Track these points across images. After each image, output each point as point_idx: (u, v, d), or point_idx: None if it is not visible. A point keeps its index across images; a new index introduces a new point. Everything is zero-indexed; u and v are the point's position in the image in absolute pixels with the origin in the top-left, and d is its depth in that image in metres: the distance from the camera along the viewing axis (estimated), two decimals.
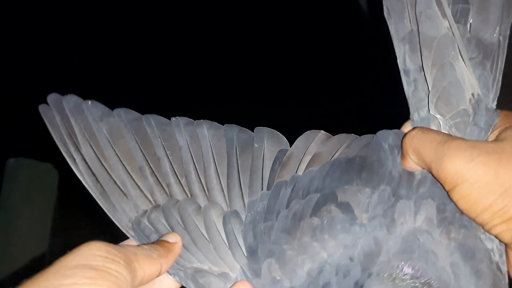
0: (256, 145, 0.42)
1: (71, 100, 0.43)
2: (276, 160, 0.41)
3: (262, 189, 0.41)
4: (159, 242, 0.37)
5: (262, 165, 0.41)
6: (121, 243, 0.40)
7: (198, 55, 1.52)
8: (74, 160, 0.41)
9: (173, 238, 0.38)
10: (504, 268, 0.35)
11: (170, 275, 0.39)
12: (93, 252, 0.31)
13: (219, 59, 1.50)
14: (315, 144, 0.41)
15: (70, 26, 1.47)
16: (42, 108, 0.42)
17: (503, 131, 0.35)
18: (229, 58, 1.52)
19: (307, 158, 0.41)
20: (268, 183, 0.41)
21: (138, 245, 0.37)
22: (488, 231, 0.34)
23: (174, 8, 1.58)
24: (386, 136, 0.39)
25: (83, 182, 0.41)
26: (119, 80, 1.45)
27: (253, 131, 0.43)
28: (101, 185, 0.41)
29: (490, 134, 0.37)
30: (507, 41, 0.39)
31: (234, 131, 0.42)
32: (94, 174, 0.41)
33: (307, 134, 0.42)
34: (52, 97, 0.43)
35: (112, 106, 0.44)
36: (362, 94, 1.38)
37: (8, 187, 1.39)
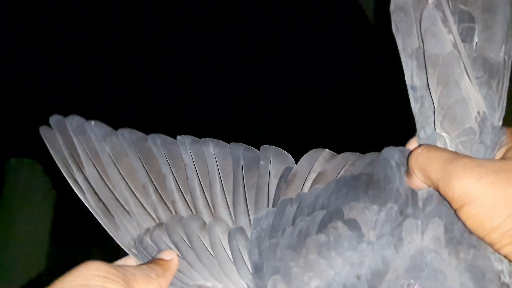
0: (262, 163, 0.42)
1: (73, 121, 0.43)
2: (282, 178, 0.41)
3: (267, 206, 0.40)
4: (156, 261, 0.38)
5: (268, 182, 0.41)
6: (119, 261, 0.41)
7: (202, 62, 1.52)
8: (75, 180, 0.42)
9: (169, 256, 0.38)
10: None
11: None
12: (91, 273, 0.31)
13: (226, 68, 1.51)
14: (320, 162, 0.41)
15: (71, 26, 1.47)
16: (43, 130, 0.42)
17: (510, 149, 0.35)
18: (234, 66, 1.52)
19: (312, 176, 0.41)
20: (273, 200, 0.40)
21: (136, 265, 0.37)
22: (497, 251, 0.33)
23: (173, 12, 1.58)
24: (392, 154, 0.39)
25: (85, 202, 0.41)
26: (117, 78, 1.45)
27: (258, 147, 0.43)
28: (103, 203, 0.41)
29: (496, 152, 0.37)
30: (511, 60, 0.39)
31: (240, 149, 0.42)
32: (96, 193, 0.41)
33: (312, 152, 0.42)
34: (54, 119, 0.43)
35: (110, 119, 0.45)
36: (368, 110, 1.38)
37: (8, 187, 1.39)
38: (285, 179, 0.41)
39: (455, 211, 0.34)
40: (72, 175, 0.42)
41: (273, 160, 0.42)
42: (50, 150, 0.42)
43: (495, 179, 0.32)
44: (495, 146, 0.37)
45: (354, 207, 0.37)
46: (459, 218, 0.34)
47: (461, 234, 0.35)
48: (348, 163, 0.40)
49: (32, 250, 1.37)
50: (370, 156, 0.40)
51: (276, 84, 1.49)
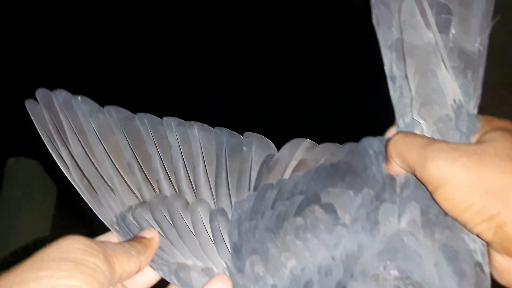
0: (245, 149, 0.43)
1: (60, 95, 0.43)
2: (264, 164, 0.42)
3: (249, 191, 0.42)
4: (137, 238, 0.38)
5: (250, 167, 0.43)
6: (101, 237, 0.41)
7: (191, 51, 1.53)
8: (60, 155, 0.42)
9: (150, 234, 0.39)
10: (486, 268, 0.36)
11: (154, 269, 0.39)
12: (71, 245, 0.31)
13: (216, 57, 1.51)
14: (301, 151, 0.43)
15: (68, 25, 1.48)
16: (28, 103, 0.42)
17: (484, 134, 0.36)
18: (224, 54, 1.52)
19: (293, 164, 0.42)
20: (255, 185, 0.42)
21: (117, 242, 0.37)
22: (470, 231, 0.34)
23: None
24: (371, 143, 0.41)
25: (69, 178, 0.42)
26: (107, 74, 1.45)
27: (243, 134, 0.44)
28: (87, 180, 0.41)
29: (471, 138, 0.38)
30: (486, 51, 0.40)
31: (224, 134, 0.44)
32: (80, 169, 0.42)
33: (294, 141, 0.43)
34: (40, 92, 0.43)
35: (101, 101, 0.45)
36: (349, 99, 1.39)
37: (8, 187, 1.39)
38: (266, 165, 0.42)
39: (431, 193, 0.35)
40: (57, 150, 0.42)
41: (256, 147, 0.43)
42: (35, 124, 0.42)
43: (469, 161, 0.33)
44: (470, 133, 0.38)
45: (331, 192, 0.39)
46: (434, 201, 0.35)
47: (436, 216, 0.36)
48: (328, 153, 0.42)
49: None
50: (350, 146, 0.41)
51: (268, 74, 1.50)
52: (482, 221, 0.32)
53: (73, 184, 0.42)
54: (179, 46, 1.55)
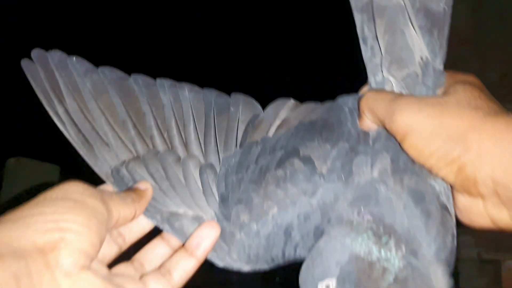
0: (232, 109, 0.46)
1: (55, 55, 0.44)
2: (250, 123, 0.45)
3: (235, 147, 0.45)
4: (132, 189, 0.40)
5: (236, 126, 0.46)
6: (98, 187, 0.42)
7: (187, 20, 1.53)
8: (56, 112, 0.43)
9: (144, 186, 0.41)
10: (451, 209, 0.39)
11: (148, 218, 0.42)
12: (72, 188, 0.34)
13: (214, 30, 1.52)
14: (285, 110, 0.45)
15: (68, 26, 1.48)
16: (24, 63, 0.44)
17: (447, 87, 0.39)
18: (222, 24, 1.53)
19: (277, 122, 0.45)
20: (241, 142, 0.45)
21: (113, 191, 0.39)
22: (435, 175, 0.37)
23: None
24: (346, 101, 0.44)
25: (65, 133, 0.43)
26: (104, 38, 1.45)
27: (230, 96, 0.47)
28: (83, 135, 0.43)
29: (437, 92, 0.41)
30: (451, 10, 0.43)
31: (212, 95, 0.46)
32: (76, 125, 0.43)
33: (279, 101, 0.46)
34: (35, 52, 0.44)
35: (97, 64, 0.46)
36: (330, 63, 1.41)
37: (8, 187, 1.39)
38: (252, 124, 0.45)
39: (399, 144, 0.38)
40: (53, 107, 0.43)
41: (243, 107, 0.46)
42: (31, 83, 0.43)
43: (432, 111, 0.35)
44: (436, 87, 0.41)
45: (309, 146, 0.42)
46: (403, 150, 0.38)
47: (405, 164, 0.39)
48: (309, 111, 0.45)
49: None
50: (328, 104, 0.44)
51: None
52: (445, 165, 0.35)
53: (69, 140, 0.43)
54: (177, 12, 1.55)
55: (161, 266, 0.40)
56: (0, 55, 1.38)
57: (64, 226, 0.31)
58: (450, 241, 0.39)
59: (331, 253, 0.38)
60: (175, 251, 0.41)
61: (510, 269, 1.63)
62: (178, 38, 1.67)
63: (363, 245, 0.37)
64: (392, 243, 0.37)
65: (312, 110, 0.45)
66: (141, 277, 0.39)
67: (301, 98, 0.47)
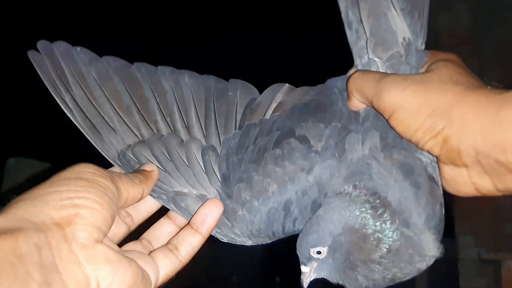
0: (230, 94, 0.48)
1: (61, 46, 0.46)
2: (247, 107, 0.47)
3: (235, 130, 0.47)
4: (139, 171, 0.42)
5: (235, 110, 0.47)
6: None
7: None
8: (63, 100, 0.45)
9: (150, 167, 0.42)
10: (438, 180, 0.41)
11: (154, 198, 0.44)
12: (83, 169, 0.35)
13: None
14: (280, 94, 0.47)
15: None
16: (31, 54, 0.45)
17: (430, 65, 0.40)
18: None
19: (273, 105, 0.47)
20: (240, 125, 0.47)
21: (121, 173, 0.40)
22: (422, 148, 0.39)
23: None
24: (335, 82, 0.45)
25: (73, 120, 0.45)
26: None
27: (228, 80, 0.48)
28: (90, 121, 0.45)
29: (420, 70, 0.42)
30: None
31: (211, 81, 0.48)
32: (83, 111, 0.45)
33: (274, 86, 0.47)
34: (41, 43, 0.46)
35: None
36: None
37: (8, 187, 1.39)
38: (250, 107, 0.47)
39: (387, 121, 0.39)
40: (60, 95, 0.44)
41: (240, 92, 0.48)
42: (38, 73, 0.45)
43: (417, 87, 0.37)
44: (419, 66, 0.43)
45: (304, 126, 0.44)
46: (391, 127, 0.39)
47: (393, 140, 0.42)
48: (303, 94, 0.46)
49: None
50: (320, 86, 0.46)
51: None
52: (431, 138, 0.37)
53: (77, 126, 0.44)
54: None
55: (168, 243, 0.41)
56: (0, 55, 1.38)
57: (78, 203, 0.33)
58: (439, 210, 0.41)
59: (327, 222, 0.40)
60: (181, 229, 0.43)
61: (510, 269, 1.63)
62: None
63: (359, 217, 0.40)
64: (387, 215, 0.39)
65: (305, 93, 0.46)
66: (150, 253, 0.40)
67: (294, 82, 0.49)
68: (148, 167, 0.42)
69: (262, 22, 1.76)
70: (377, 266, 0.39)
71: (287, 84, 0.47)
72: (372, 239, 0.39)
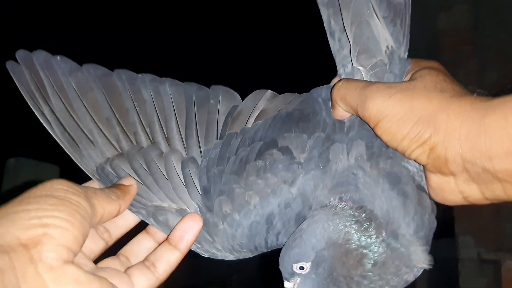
0: (212, 101, 0.46)
1: (40, 55, 0.44)
2: (229, 115, 0.46)
3: (216, 139, 0.45)
4: (117, 185, 0.41)
5: (217, 118, 0.46)
6: (84, 184, 0.43)
7: None
8: (42, 112, 0.43)
9: (129, 182, 0.41)
10: (426, 188, 0.40)
11: (133, 213, 0.42)
12: (55, 186, 0.34)
13: None
14: (263, 101, 0.46)
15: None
16: (9, 64, 0.44)
17: (414, 74, 0.40)
18: None
19: (256, 113, 0.46)
20: (221, 134, 0.45)
21: (98, 188, 0.39)
22: (408, 157, 0.38)
23: None
24: (319, 92, 0.45)
25: (51, 132, 0.43)
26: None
27: (209, 87, 0.47)
28: (68, 134, 0.43)
29: (404, 79, 0.42)
30: (411, 0, 0.44)
31: (193, 88, 0.46)
32: (62, 124, 0.43)
33: (256, 92, 0.46)
34: (20, 53, 0.44)
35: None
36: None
37: (8, 187, 1.39)
38: (231, 115, 0.45)
39: (373, 130, 0.38)
40: (39, 108, 0.43)
41: (222, 99, 0.46)
42: (17, 84, 0.43)
43: (402, 95, 0.37)
44: (403, 75, 0.42)
45: (286, 137, 0.43)
46: (377, 136, 0.39)
47: (379, 149, 0.41)
48: (286, 102, 0.45)
49: None
50: (304, 95, 0.45)
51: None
52: (417, 147, 0.36)
53: (56, 139, 0.43)
54: None
55: (145, 259, 0.40)
56: (0, 55, 1.38)
57: (47, 222, 0.32)
58: (427, 219, 0.40)
59: (310, 236, 0.39)
60: (159, 245, 0.42)
61: (510, 269, 1.63)
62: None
63: (343, 232, 0.39)
64: (372, 229, 0.38)
65: (288, 101, 0.45)
66: (126, 270, 0.39)
67: (277, 89, 0.48)
68: (126, 182, 0.41)
69: (262, 22, 1.76)
70: (363, 279, 0.38)
71: (269, 91, 0.46)
72: (355, 254, 0.38)
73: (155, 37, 1.73)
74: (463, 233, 1.83)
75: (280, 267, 0.40)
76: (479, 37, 1.88)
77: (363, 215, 0.39)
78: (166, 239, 0.42)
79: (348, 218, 0.39)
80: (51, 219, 0.32)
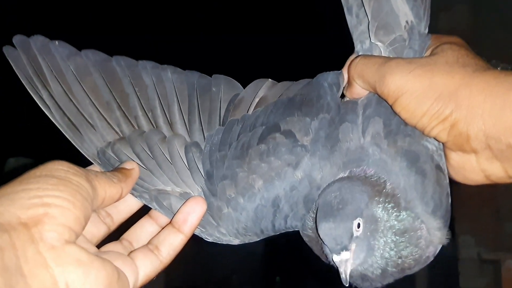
0: (214, 89, 0.47)
1: (38, 40, 0.44)
2: (231, 102, 0.46)
3: (219, 126, 0.46)
4: (118, 169, 0.40)
5: (219, 106, 0.46)
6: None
7: None
8: (40, 97, 0.43)
9: (130, 165, 0.41)
10: (445, 168, 0.39)
11: (136, 197, 0.42)
12: (56, 167, 0.34)
13: None
14: (263, 89, 0.46)
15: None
16: (6, 49, 0.43)
17: (434, 49, 0.39)
18: None
19: (256, 101, 0.46)
20: (223, 121, 0.46)
21: (99, 171, 0.39)
22: (428, 135, 0.37)
23: None
24: (326, 76, 0.44)
25: (51, 117, 0.43)
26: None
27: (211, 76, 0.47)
28: (68, 118, 0.43)
29: (424, 55, 0.41)
30: None
31: (195, 76, 0.47)
32: (61, 109, 0.43)
33: (257, 81, 0.47)
34: (17, 38, 0.44)
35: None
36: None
37: None
38: (233, 103, 0.46)
39: (391, 107, 0.38)
40: (37, 92, 0.43)
41: (224, 87, 0.47)
42: (14, 69, 0.43)
43: (422, 71, 0.36)
44: (423, 50, 0.41)
45: (289, 121, 0.43)
46: (395, 113, 0.38)
47: (397, 127, 0.40)
48: (285, 89, 0.45)
49: None
50: (303, 81, 0.45)
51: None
52: (438, 123, 0.35)
53: (56, 124, 0.43)
54: None
55: (149, 243, 0.40)
56: (0, 55, 1.38)
57: (48, 202, 0.31)
58: (445, 200, 0.39)
59: (350, 196, 0.37)
60: (163, 228, 0.41)
61: (510, 269, 1.63)
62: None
63: (368, 194, 0.37)
64: (390, 196, 0.38)
65: (288, 88, 0.46)
66: (130, 253, 0.38)
67: (279, 78, 0.48)
68: (128, 165, 0.41)
69: (262, 22, 1.76)
70: (393, 241, 0.36)
71: (269, 80, 0.47)
72: (382, 214, 0.37)
73: (155, 37, 1.73)
74: (463, 233, 1.83)
75: (336, 237, 0.36)
76: (479, 37, 1.87)
77: (378, 182, 0.38)
78: (170, 222, 0.41)
79: (365, 183, 0.37)
80: (52, 199, 0.31)
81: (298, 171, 0.41)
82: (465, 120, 0.34)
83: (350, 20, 0.44)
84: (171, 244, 0.40)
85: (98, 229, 0.40)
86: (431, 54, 0.39)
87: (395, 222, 0.37)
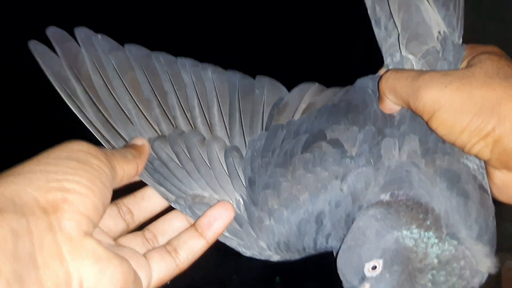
0: (257, 91, 0.45)
1: (83, 32, 0.43)
2: (274, 106, 0.44)
3: (261, 130, 0.44)
4: (130, 145, 0.40)
5: (262, 109, 0.45)
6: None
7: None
8: (74, 91, 0.42)
9: (140, 141, 0.40)
10: (488, 188, 0.37)
11: (171, 203, 0.40)
12: (76, 147, 0.32)
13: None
14: (309, 94, 0.45)
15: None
16: (32, 44, 0.43)
17: (471, 60, 0.37)
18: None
19: (303, 106, 0.44)
20: (266, 125, 0.44)
21: (113, 149, 0.38)
22: (468, 152, 0.35)
23: None
24: (367, 82, 0.43)
25: (79, 115, 0.42)
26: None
27: (254, 78, 0.45)
28: (102, 114, 0.42)
29: (459, 66, 0.39)
30: None
31: (236, 76, 0.45)
32: (95, 105, 0.42)
33: (303, 85, 0.45)
34: (51, 30, 0.43)
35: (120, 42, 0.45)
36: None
37: None
38: (277, 107, 0.44)
39: (427, 123, 0.36)
40: (69, 87, 0.42)
41: (268, 90, 0.45)
42: (40, 64, 0.42)
43: (460, 84, 0.34)
44: (458, 62, 0.39)
45: (336, 129, 0.41)
46: (431, 130, 0.36)
47: (435, 144, 0.37)
48: (333, 95, 0.43)
49: None
50: (350, 87, 0.44)
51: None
52: (479, 140, 0.33)
53: (84, 121, 0.42)
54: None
55: (168, 243, 0.38)
56: (0, 55, 1.38)
57: (67, 187, 0.30)
58: (491, 223, 0.37)
59: (373, 232, 0.36)
60: (184, 230, 0.39)
61: (510, 269, 1.62)
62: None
63: (403, 228, 0.35)
64: (431, 224, 0.35)
65: (335, 94, 0.44)
66: (146, 253, 0.37)
67: (318, 81, 0.46)
68: (138, 141, 0.39)
69: (262, 22, 1.76)
70: (428, 278, 0.34)
71: (316, 84, 0.45)
72: (419, 249, 0.35)
73: (155, 37, 1.73)
74: None
75: (345, 275, 0.36)
76: (479, 37, 1.87)
77: (419, 209, 0.35)
78: (193, 224, 0.39)
79: (405, 213, 0.36)
80: (71, 184, 0.30)
81: (344, 185, 0.39)
82: (510, 135, 0.32)
83: (378, 33, 0.42)
84: (191, 249, 0.38)
85: (115, 224, 0.38)
86: (468, 65, 0.37)
87: (434, 254, 0.35)
